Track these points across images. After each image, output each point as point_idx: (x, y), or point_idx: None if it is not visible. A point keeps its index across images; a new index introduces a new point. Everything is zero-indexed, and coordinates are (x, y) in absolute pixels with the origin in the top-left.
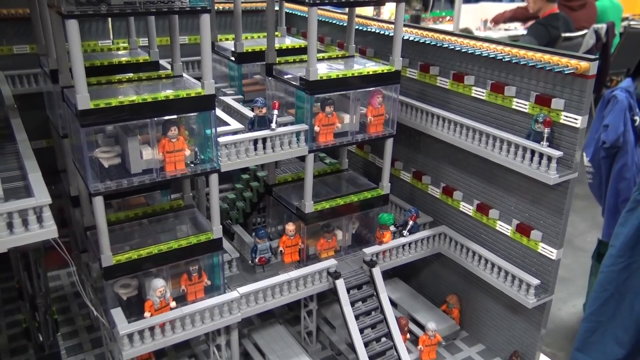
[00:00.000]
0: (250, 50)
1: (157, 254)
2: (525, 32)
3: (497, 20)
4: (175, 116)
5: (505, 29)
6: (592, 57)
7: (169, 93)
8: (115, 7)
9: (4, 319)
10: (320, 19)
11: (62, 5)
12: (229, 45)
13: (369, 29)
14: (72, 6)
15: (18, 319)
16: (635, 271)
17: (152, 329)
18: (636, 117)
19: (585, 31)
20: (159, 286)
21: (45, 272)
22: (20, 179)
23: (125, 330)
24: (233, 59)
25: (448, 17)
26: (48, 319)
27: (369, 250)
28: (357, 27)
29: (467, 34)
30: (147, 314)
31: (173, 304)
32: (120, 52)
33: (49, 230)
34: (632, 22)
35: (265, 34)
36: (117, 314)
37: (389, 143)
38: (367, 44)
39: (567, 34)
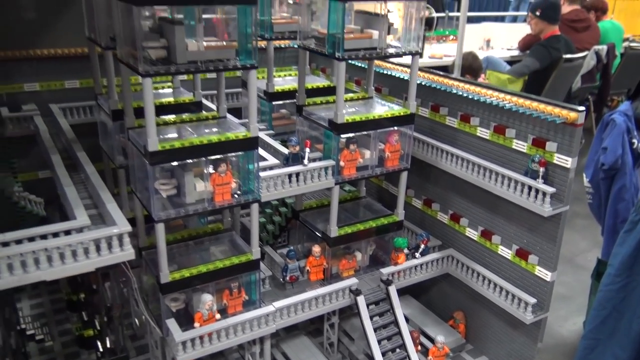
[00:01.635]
0: (280, 90)
1: (205, 272)
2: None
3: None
4: (225, 155)
5: (508, 49)
6: (580, 108)
7: (222, 136)
8: (182, 66)
9: (56, 328)
10: None
11: (139, 66)
12: (260, 83)
13: (385, 71)
14: (148, 67)
15: (67, 327)
16: (633, 290)
17: (201, 337)
18: (634, 140)
19: (586, 52)
20: (207, 300)
21: (120, 286)
22: (93, 207)
23: (181, 338)
24: (265, 97)
25: (451, 37)
26: (120, 326)
27: (385, 271)
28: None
29: (472, 80)
30: (196, 325)
31: (218, 316)
32: (165, 91)
33: (128, 253)
34: (632, 44)
35: (291, 72)
36: (172, 323)
37: (404, 175)
38: (383, 84)
39: (569, 56)
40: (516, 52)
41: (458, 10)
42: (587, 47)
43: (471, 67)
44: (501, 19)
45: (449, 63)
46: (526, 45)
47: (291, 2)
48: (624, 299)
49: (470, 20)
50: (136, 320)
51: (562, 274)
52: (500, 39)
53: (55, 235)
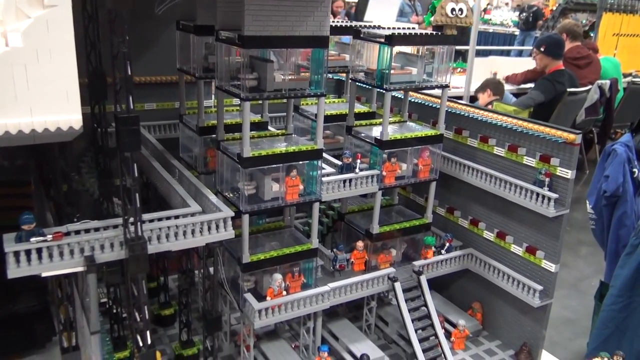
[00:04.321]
0: (328, 114)
1: (275, 256)
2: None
3: (511, 81)
4: (297, 162)
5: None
6: (577, 131)
7: (296, 147)
8: (270, 93)
9: None
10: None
11: (241, 93)
12: (310, 108)
13: (415, 100)
14: (247, 93)
15: None
16: (634, 310)
17: (272, 308)
18: (635, 169)
19: (589, 87)
20: (278, 278)
21: (219, 264)
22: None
23: (258, 307)
24: (315, 119)
25: (459, 69)
26: (215, 296)
27: (417, 263)
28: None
29: (487, 108)
30: (268, 298)
31: (284, 292)
32: (236, 113)
33: (230, 233)
34: (635, 79)
35: (333, 99)
36: (249, 297)
37: (433, 185)
38: (413, 110)
39: (572, 89)
40: (523, 85)
41: (465, 44)
42: (589, 82)
43: (497, 87)
44: (507, 53)
45: (457, 94)
46: (527, 79)
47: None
48: (625, 318)
49: (478, 53)
50: (230, 294)
51: (567, 298)
52: (507, 71)
53: (176, 217)
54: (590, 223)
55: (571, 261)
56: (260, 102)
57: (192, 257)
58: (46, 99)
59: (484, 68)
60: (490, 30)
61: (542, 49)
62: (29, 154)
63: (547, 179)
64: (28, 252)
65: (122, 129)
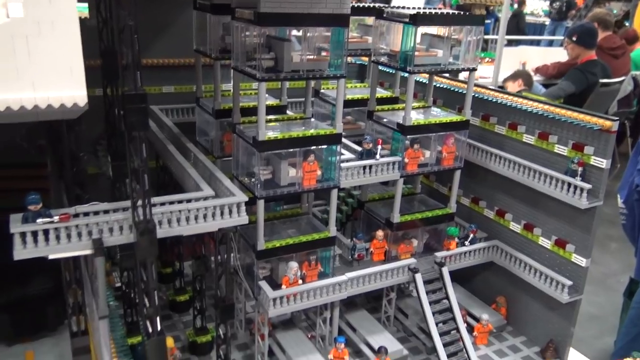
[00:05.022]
0: (349, 99)
1: (292, 244)
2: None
3: (542, 73)
4: (315, 147)
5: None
6: (614, 118)
7: (314, 131)
8: (287, 74)
9: None
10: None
11: (257, 73)
12: (331, 92)
13: (440, 85)
14: (263, 74)
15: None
16: None
17: (287, 297)
18: None
19: (623, 78)
20: (294, 267)
21: (234, 250)
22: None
23: (273, 295)
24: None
25: (487, 59)
26: (225, 280)
27: (439, 254)
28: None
29: (517, 94)
30: (284, 287)
31: (300, 281)
32: (253, 96)
33: (243, 218)
34: None
35: (354, 84)
36: (264, 284)
37: (457, 174)
38: (438, 96)
39: (605, 80)
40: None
41: (494, 34)
42: (624, 73)
43: (528, 79)
44: (537, 43)
45: (485, 85)
46: (560, 72)
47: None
48: None
49: (508, 43)
50: (245, 281)
51: (594, 295)
52: (536, 62)
53: (188, 201)
54: (620, 218)
55: (599, 256)
56: (278, 85)
57: (208, 242)
58: (49, 73)
59: (513, 58)
60: None
61: (574, 39)
62: (44, 135)
63: (580, 169)
64: (35, 234)
65: (129, 107)
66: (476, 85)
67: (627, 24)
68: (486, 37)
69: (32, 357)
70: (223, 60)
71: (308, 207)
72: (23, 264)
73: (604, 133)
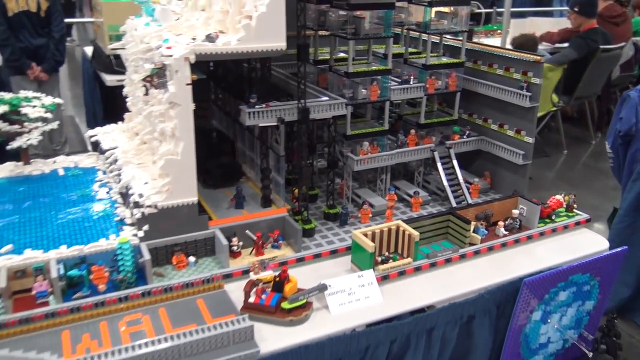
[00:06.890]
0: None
1: (365, 132)
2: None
3: (546, 40)
4: (377, 77)
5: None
6: (540, 55)
7: (375, 67)
8: (362, 35)
9: None
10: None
11: (347, 35)
12: (380, 50)
13: (447, 43)
14: (351, 35)
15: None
16: (638, 228)
17: (364, 161)
18: None
19: (623, 44)
20: (366, 144)
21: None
22: None
23: (356, 158)
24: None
25: (499, 31)
26: (334, 147)
27: (448, 142)
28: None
29: (493, 45)
30: (361, 155)
31: (369, 154)
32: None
33: (344, 112)
34: None
35: (395, 45)
36: (350, 154)
37: (458, 95)
38: (446, 50)
39: (605, 47)
40: (558, 45)
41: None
42: (626, 39)
43: (534, 46)
44: (549, 14)
45: None
46: (563, 38)
47: None
48: (630, 235)
49: (515, 15)
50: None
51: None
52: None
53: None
54: (609, 161)
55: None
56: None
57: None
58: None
59: (521, 30)
60: None
61: (575, 9)
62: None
63: (525, 84)
64: (254, 113)
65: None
66: (472, 42)
67: None
68: (499, 9)
69: (229, 193)
70: (320, 32)
71: (370, 117)
72: (217, 146)
73: (537, 63)
